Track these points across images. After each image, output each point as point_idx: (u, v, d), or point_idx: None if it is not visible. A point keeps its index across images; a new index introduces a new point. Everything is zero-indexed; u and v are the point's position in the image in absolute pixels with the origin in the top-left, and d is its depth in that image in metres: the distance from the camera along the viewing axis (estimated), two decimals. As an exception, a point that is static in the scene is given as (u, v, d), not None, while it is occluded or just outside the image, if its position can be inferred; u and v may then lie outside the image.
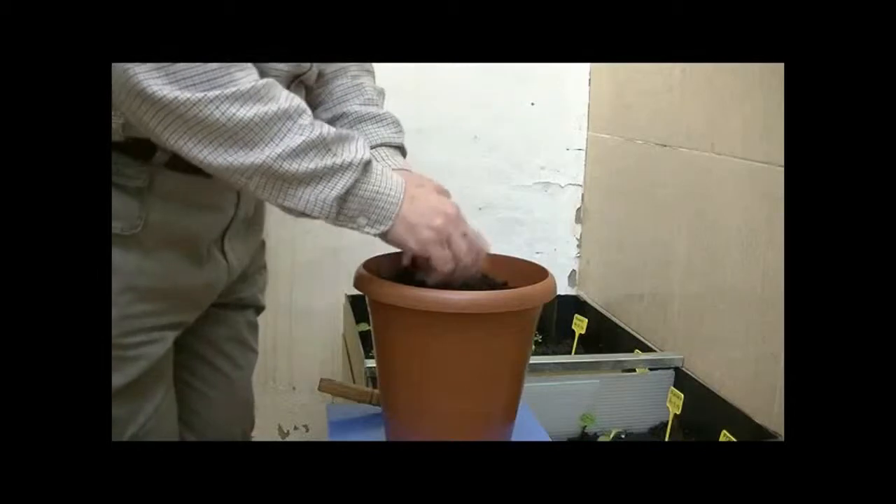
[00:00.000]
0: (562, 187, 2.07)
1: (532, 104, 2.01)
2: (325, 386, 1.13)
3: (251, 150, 0.81)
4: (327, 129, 0.85)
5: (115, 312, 0.87)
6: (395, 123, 1.10)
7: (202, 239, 0.98)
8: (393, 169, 0.99)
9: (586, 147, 2.05)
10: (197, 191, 0.93)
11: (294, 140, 0.82)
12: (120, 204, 0.87)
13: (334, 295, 1.88)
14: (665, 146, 1.62)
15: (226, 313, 1.14)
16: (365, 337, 1.51)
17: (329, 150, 0.84)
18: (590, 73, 2.02)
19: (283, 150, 0.81)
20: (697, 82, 1.50)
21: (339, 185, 0.85)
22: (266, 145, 0.81)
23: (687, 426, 1.41)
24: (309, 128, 0.83)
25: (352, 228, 0.89)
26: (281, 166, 0.82)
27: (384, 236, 0.91)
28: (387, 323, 0.97)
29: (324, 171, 0.84)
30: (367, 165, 0.87)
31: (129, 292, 0.90)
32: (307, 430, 2.07)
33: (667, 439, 1.36)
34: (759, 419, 1.27)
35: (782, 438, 1.21)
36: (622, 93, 1.86)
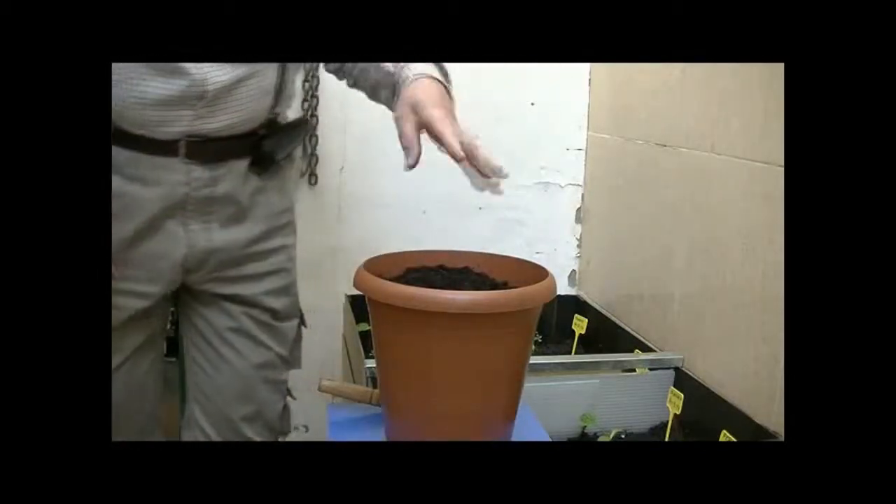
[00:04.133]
0: (562, 187, 2.07)
1: (532, 104, 2.01)
2: (325, 386, 1.13)
3: None
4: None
5: None
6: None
7: (144, 210, 1.04)
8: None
9: (586, 147, 2.05)
10: (136, 165, 1.01)
11: None
12: None
13: (334, 295, 1.88)
14: (665, 146, 1.62)
15: (229, 305, 1.19)
16: (365, 337, 1.51)
17: None
18: (590, 73, 2.01)
19: None
20: (697, 82, 1.50)
21: None
22: None
23: (687, 426, 1.41)
24: None
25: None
26: None
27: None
28: (387, 323, 0.97)
29: None
30: None
31: None
32: (307, 430, 2.07)
33: (667, 439, 1.36)
34: (759, 419, 1.27)
35: (782, 438, 1.21)
36: (622, 93, 1.86)
